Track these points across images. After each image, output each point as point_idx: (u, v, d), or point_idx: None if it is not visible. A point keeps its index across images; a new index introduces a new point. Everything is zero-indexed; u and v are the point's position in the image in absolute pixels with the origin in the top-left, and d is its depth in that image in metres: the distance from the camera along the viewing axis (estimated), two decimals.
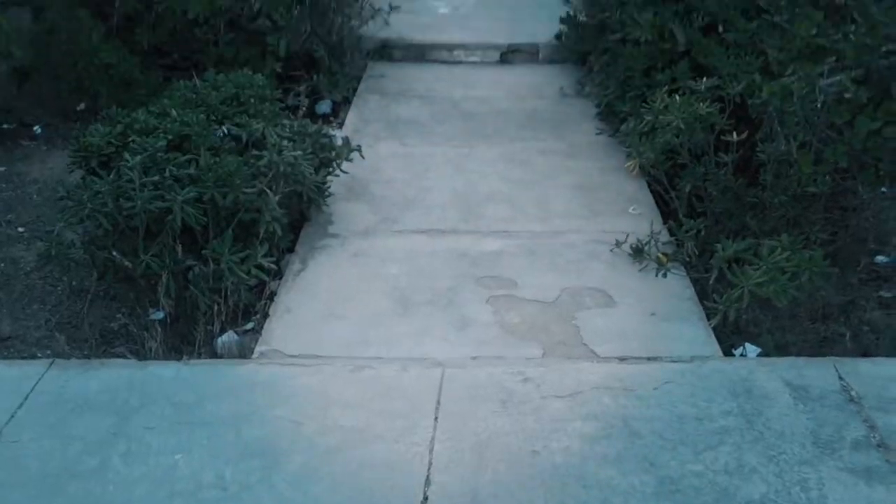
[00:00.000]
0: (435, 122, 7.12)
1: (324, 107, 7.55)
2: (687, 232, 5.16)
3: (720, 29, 5.84)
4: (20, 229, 5.76)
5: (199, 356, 4.49)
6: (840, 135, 4.64)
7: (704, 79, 5.48)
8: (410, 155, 6.53)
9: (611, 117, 6.72)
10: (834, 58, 4.61)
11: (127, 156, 4.66)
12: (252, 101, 5.44)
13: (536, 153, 6.53)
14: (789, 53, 4.78)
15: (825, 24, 4.75)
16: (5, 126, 7.14)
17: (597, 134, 6.79)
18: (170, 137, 4.87)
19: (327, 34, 7.51)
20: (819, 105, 4.47)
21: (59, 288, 5.14)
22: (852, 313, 4.88)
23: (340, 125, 7.09)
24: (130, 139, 4.87)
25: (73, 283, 5.11)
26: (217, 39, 7.09)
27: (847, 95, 4.38)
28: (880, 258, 5.36)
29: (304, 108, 7.04)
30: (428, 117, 7.22)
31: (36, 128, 7.16)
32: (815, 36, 4.59)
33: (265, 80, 5.73)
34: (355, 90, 7.75)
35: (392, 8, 8.21)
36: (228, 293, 4.68)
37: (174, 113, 5.05)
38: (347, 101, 7.58)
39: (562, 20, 7.97)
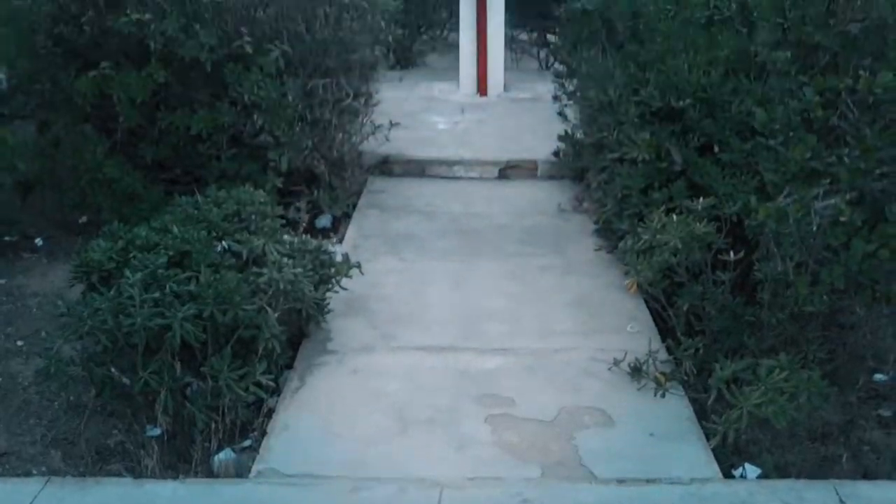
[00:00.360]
0: (434, 238, 7.18)
1: (324, 221, 7.62)
2: (685, 351, 5.16)
3: (716, 149, 5.91)
4: (19, 343, 5.76)
5: (196, 475, 4.46)
6: (836, 256, 4.68)
7: (701, 199, 5.53)
8: (409, 270, 6.57)
9: (609, 234, 6.77)
10: (828, 180, 4.67)
11: (128, 272, 4.69)
12: (253, 217, 5.50)
13: (535, 269, 6.58)
14: (784, 176, 4.84)
15: (819, 147, 4.82)
16: (7, 238, 7.18)
17: (595, 250, 6.84)
18: (171, 254, 4.92)
19: (328, 150, 7.61)
20: (814, 227, 4.52)
21: (56, 403, 5.12)
22: (852, 433, 4.87)
23: (340, 240, 7.15)
24: (132, 255, 4.91)
25: (71, 398, 5.10)
26: (219, 154, 7.16)
27: (842, 219, 4.43)
28: (879, 376, 5.36)
29: (304, 224, 7.11)
30: (427, 232, 7.28)
31: (38, 240, 7.20)
32: (810, 159, 4.65)
33: (266, 196, 5.80)
34: (355, 205, 7.83)
35: (393, 125, 8.33)
36: (226, 410, 4.66)
37: (175, 230, 5.10)
38: (347, 216, 7.66)
39: (560, 137, 8.09)
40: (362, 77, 7.79)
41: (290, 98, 6.99)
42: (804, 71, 5.63)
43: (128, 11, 6.79)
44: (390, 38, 7.81)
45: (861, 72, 4.81)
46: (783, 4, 6.22)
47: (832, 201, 4.48)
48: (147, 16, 6.78)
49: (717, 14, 6.50)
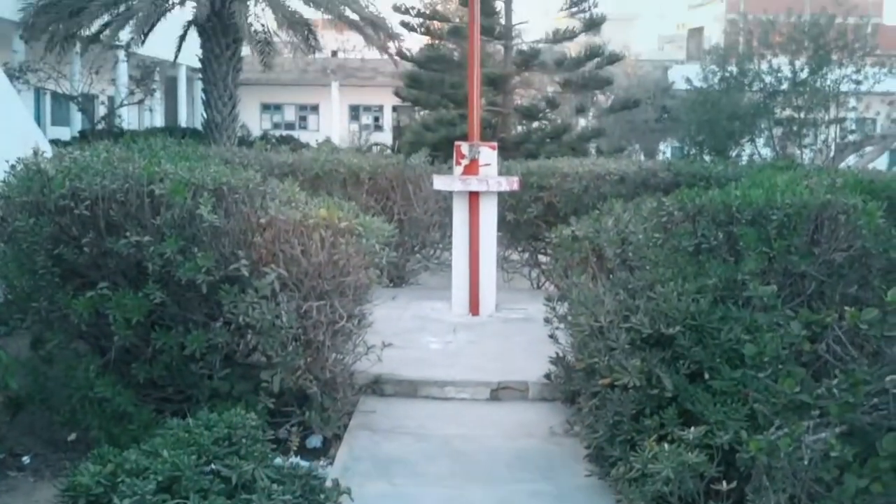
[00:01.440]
0: (425, 462, 7.11)
1: (315, 441, 7.57)
2: None
3: (706, 376, 5.95)
4: None
5: None
6: (828, 490, 4.66)
7: (692, 427, 5.54)
8: (400, 496, 6.48)
9: (601, 459, 6.71)
10: (818, 412, 4.69)
11: (115, 499, 4.65)
12: (244, 441, 5.50)
13: (526, 496, 6.50)
14: (774, 407, 4.87)
15: (808, 379, 4.86)
16: None
17: (586, 476, 6.77)
18: (160, 479, 4.89)
19: (320, 371, 7.62)
20: (806, 461, 4.52)
21: None
22: None
23: (331, 462, 7.08)
24: (120, 480, 4.88)
25: None
26: (212, 374, 7.17)
27: (833, 453, 4.43)
28: None
29: (295, 447, 7.06)
30: (418, 456, 7.23)
31: (25, 458, 7.12)
32: (798, 392, 4.69)
33: (257, 420, 5.81)
34: (346, 426, 7.78)
35: (385, 345, 8.38)
36: None
37: (166, 454, 5.09)
38: (338, 437, 7.60)
39: (551, 360, 8.13)
40: (356, 299, 7.88)
41: (284, 320, 7.05)
42: (791, 298, 5.74)
43: (127, 234, 6.95)
44: (384, 261, 7.93)
45: (846, 307, 4.89)
46: (768, 234, 6.40)
47: (822, 435, 4.50)
48: (146, 238, 6.93)
49: (705, 243, 6.67)
